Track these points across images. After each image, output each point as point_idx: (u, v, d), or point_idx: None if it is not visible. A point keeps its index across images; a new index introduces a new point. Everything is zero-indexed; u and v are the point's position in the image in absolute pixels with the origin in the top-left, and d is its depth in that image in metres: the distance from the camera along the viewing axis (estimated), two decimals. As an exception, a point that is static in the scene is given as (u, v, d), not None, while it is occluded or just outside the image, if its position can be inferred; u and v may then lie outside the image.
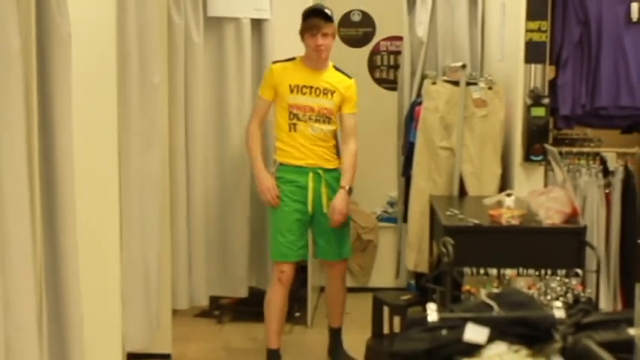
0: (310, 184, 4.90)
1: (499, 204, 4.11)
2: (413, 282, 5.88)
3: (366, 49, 7.22)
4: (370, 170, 6.97)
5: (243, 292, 5.67)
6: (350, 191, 4.91)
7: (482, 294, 3.43)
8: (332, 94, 4.92)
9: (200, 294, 5.51)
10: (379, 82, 7.20)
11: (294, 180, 4.90)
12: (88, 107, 3.09)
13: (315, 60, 4.91)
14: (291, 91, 4.86)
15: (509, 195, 4.12)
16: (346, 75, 5.02)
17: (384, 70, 7.23)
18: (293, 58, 4.98)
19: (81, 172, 2.80)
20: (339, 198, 4.87)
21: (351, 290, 6.59)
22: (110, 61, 3.56)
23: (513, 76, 4.76)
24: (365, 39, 7.21)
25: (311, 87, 4.89)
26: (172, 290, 5.21)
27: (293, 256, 4.93)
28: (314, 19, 4.83)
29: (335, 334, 5.26)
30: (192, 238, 5.41)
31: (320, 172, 4.92)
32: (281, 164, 4.95)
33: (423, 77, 5.58)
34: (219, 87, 5.50)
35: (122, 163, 3.81)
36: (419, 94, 5.61)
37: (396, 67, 6.87)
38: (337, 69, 5.02)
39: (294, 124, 4.87)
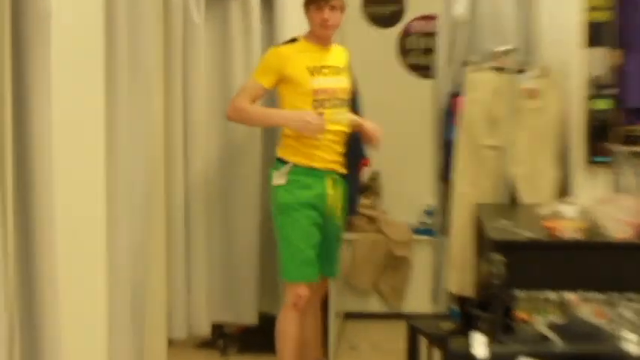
0: (330, 192, 4.88)
1: (557, 214, 4.06)
2: (455, 307, 5.84)
3: (395, 30, 7.21)
4: (403, 173, 6.97)
5: (251, 319, 5.65)
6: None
7: (540, 323, 3.41)
8: (343, 70, 5.00)
9: (201, 321, 5.49)
10: (411, 68, 7.18)
11: (310, 185, 4.84)
12: (71, 94, 3.09)
13: (322, 37, 4.91)
14: (312, 74, 4.82)
15: (569, 203, 4.10)
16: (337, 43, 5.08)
17: (416, 55, 7.20)
18: (294, 39, 4.95)
19: (61, 172, 2.79)
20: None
21: (381, 317, 6.64)
22: (96, 43, 3.55)
23: (571, 61, 4.78)
24: (392, 18, 7.20)
25: (329, 66, 4.91)
26: (168, 317, 5.20)
27: (315, 275, 4.88)
28: None
29: None
30: (191, 254, 5.37)
31: (336, 177, 4.93)
32: (294, 165, 4.84)
33: (463, 63, 5.54)
34: (224, 73, 5.51)
35: (109, 163, 3.79)
36: (458, 84, 5.57)
37: (430, 51, 6.84)
38: None
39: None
